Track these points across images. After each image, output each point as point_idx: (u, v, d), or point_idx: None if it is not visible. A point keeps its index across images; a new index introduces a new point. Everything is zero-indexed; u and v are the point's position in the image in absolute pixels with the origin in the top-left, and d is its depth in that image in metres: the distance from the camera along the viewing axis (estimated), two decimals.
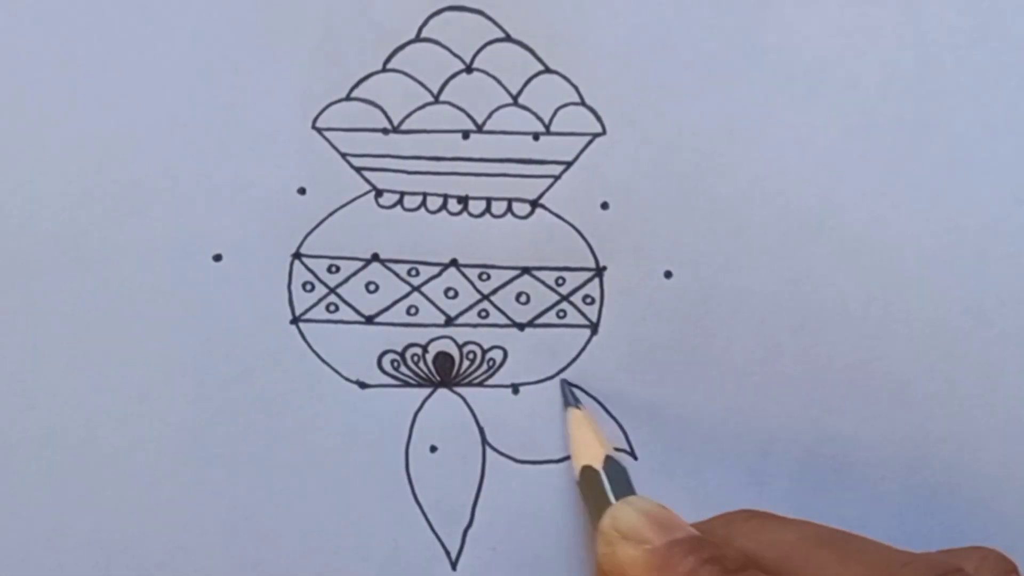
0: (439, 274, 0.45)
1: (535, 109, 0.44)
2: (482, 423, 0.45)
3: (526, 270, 0.45)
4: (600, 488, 0.42)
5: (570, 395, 0.44)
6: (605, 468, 0.42)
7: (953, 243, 0.45)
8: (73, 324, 0.43)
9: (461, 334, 0.45)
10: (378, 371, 0.45)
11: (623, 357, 0.45)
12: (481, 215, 0.45)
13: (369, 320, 0.45)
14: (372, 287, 0.44)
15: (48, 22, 0.43)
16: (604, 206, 0.45)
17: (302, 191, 0.44)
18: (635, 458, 0.45)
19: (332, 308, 0.44)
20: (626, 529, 0.39)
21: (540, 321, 0.45)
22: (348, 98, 0.44)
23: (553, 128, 0.44)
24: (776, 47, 0.44)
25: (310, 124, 0.44)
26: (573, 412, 0.44)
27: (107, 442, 0.44)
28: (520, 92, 0.44)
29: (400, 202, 0.44)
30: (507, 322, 0.45)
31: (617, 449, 0.44)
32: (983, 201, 0.45)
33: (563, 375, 0.45)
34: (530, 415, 0.45)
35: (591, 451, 0.43)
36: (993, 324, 0.45)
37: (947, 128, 0.45)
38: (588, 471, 0.42)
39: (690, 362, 0.45)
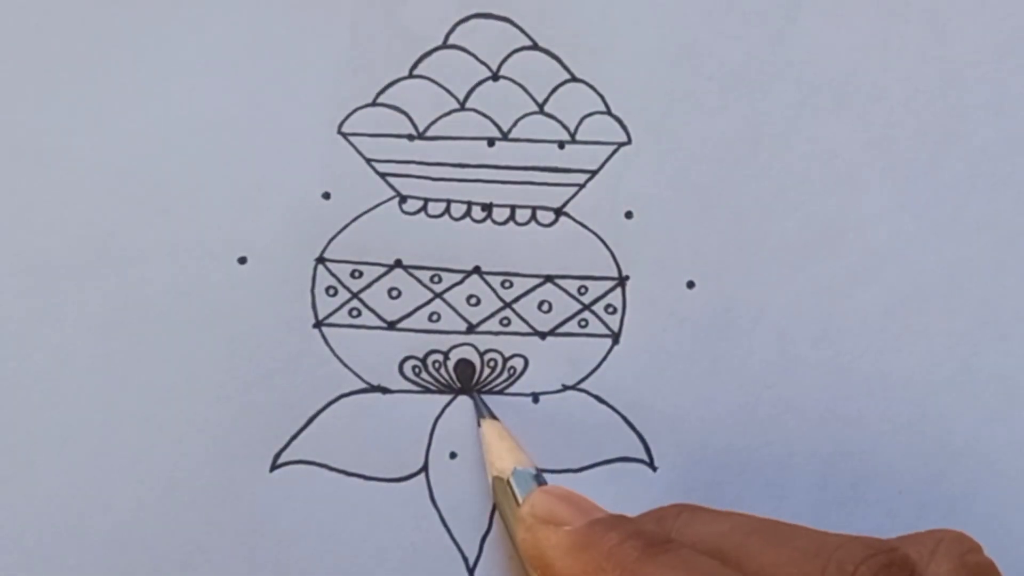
0: (461, 281, 0.45)
1: (561, 117, 0.44)
2: None
3: (549, 278, 0.45)
4: (512, 495, 0.41)
5: (483, 407, 0.44)
6: (515, 476, 0.41)
7: (973, 256, 0.45)
8: (98, 325, 0.43)
9: (483, 341, 0.45)
10: (399, 377, 0.45)
11: (644, 367, 0.45)
12: (505, 223, 0.45)
13: (391, 326, 0.45)
14: (395, 293, 0.44)
15: (77, 25, 0.43)
16: (628, 215, 0.45)
17: (327, 196, 0.44)
18: (654, 469, 0.45)
19: (355, 313, 0.44)
20: (544, 513, 0.39)
21: (562, 330, 0.45)
22: (374, 103, 0.44)
23: (578, 137, 0.44)
24: (801, 60, 0.45)
25: (336, 129, 0.44)
26: (486, 424, 0.44)
27: (129, 443, 0.44)
28: (546, 100, 0.44)
29: (424, 208, 0.44)
30: (529, 330, 0.45)
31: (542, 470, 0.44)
32: (1003, 214, 0.45)
33: (583, 385, 0.45)
34: (550, 424, 0.45)
35: (502, 462, 0.42)
36: (1013, 337, 0.45)
37: (969, 142, 0.45)
38: (499, 482, 0.42)
39: (711, 373, 0.45)
